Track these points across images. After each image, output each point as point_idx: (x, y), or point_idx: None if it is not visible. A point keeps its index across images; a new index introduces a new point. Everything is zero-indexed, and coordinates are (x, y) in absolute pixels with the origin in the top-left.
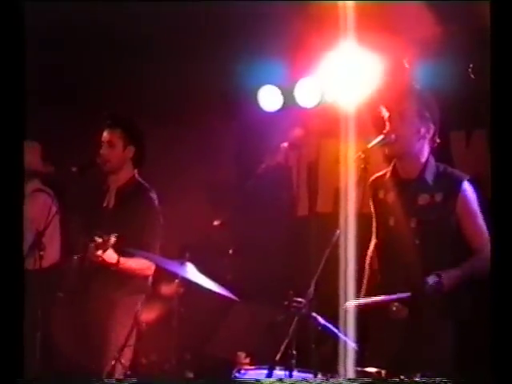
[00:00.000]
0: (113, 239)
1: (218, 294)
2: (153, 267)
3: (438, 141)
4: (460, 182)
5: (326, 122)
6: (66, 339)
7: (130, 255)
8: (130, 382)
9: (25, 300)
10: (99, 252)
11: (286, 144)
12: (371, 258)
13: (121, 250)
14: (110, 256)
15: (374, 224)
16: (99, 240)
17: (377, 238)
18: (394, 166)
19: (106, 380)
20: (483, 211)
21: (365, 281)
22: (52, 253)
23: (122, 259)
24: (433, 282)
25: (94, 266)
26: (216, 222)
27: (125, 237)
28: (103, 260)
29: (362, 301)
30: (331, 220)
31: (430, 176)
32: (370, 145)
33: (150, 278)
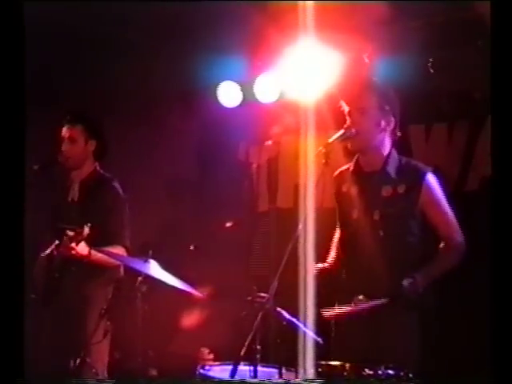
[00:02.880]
0: (86, 230)
1: (182, 291)
2: (125, 255)
3: (399, 134)
4: (423, 174)
5: (286, 118)
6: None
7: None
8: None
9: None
10: (73, 244)
11: (269, 142)
12: (335, 250)
13: (91, 242)
14: (82, 248)
15: (337, 217)
16: (71, 233)
17: (340, 230)
18: (357, 160)
19: (105, 380)
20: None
21: (329, 260)
22: None
23: (93, 251)
24: (408, 284)
25: (66, 259)
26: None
27: (93, 229)
28: (76, 252)
29: (341, 309)
30: (292, 215)
31: (392, 169)
32: (330, 139)
33: (121, 269)
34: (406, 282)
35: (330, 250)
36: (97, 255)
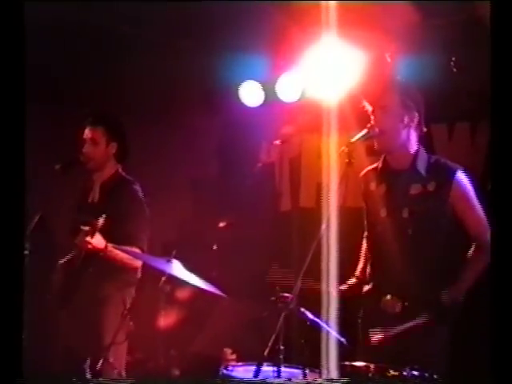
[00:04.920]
0: (101, 221)
1: (205, 291)
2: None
3: (424, 129)
4: (454, 171)
5: (308, 117)
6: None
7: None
8: (131, 382)
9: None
10: (88, 238)
11: (278, 141)
12: (364, 249)
13: (109, 237)
14: (99, 241)
15: (366, 216)
16: (86, 228)
17: (368, 229)
18: (385, 159)
19: (105, 380)
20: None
21: (357, 272)
22: None
23: (110, 245)
24: (448, 298)
25: (84, 259)
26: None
27: (112, 230)
28: (92, 246)
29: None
30: (314, 215)
31: (422, 166)
32: (353, 139)
33: (139, 271)
34: (445, 297)
35: (358, 261)
36: (113, 252)
